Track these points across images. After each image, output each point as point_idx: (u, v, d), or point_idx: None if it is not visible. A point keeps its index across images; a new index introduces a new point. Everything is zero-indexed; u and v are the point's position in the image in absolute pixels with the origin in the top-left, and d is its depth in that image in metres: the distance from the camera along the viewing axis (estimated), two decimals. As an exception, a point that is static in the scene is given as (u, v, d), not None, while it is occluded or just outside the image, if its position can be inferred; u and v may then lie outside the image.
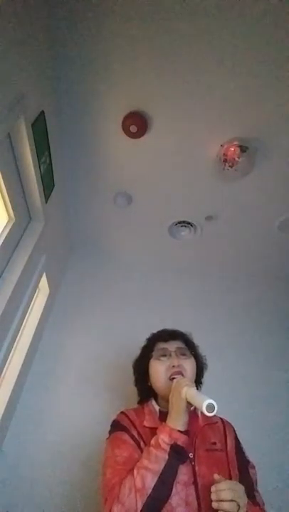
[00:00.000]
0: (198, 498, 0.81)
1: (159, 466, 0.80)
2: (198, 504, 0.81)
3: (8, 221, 1.28)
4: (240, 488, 0.77)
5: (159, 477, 0.78)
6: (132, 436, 0.92)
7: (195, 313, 2.00)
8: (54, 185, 1.56)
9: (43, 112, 1.25)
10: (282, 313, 2.07)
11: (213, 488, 0.76)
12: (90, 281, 2.08)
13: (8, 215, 1.28)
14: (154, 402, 1.04)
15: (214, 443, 0.93)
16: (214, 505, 0.74)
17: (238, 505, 0.73)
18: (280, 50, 1.19)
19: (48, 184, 1.45)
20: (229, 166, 1.48)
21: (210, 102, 1.36)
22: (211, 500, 0.75)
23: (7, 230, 1.25)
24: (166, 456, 0.81)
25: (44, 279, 1.65)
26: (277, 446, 1.54)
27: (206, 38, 1.20)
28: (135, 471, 0.80)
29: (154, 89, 1.35)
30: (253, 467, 0.96)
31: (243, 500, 0.75)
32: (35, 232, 1.42)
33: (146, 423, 0.96)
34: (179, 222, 1.92)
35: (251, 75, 1.27)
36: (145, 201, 1.82)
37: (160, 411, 1.00)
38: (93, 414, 1.47)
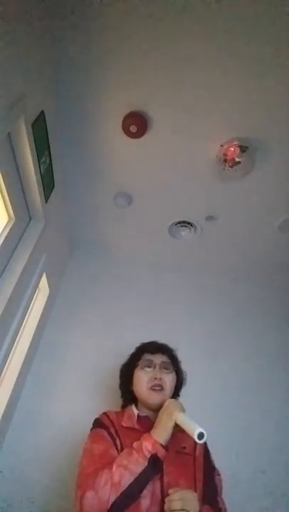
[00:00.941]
0: (162, 492, 0.90)
1: (137, 469, 0.88)
2: (162, 497, 0.89)
3: (8, 221, 1.28)
4: (193, 496, 0.85)
5: (136, 478, 0.86)
6: (110, 434, 1.01)
7: (195, 313, 2.01)
8: (54, 185, 1.56)
9: (43, 112, 1.25)
10: (283, 314, 2.07)
11: (166, 499, 0.85)
12: (90, 281, 2.08)
13: (8, 215, 1.28)
14: (134, 407, 1.15)
15: (184, 447, 1.03)
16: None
17: None
18: (281, 50, 1.19)
19: (48, 184, 1.45)
20: (229, 166, 1.47)
21: (210, 102, 1.36)
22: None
23: (7, 230, 1.25)
24: (146, 463, 0.89)
25: (44, 279, 1.65)
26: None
27: (206, 37, 1.19)
28: (114, 467, 0.87)
29: (154, 90, 1.35)
30: (219, 474, 1.05)
31: (194, 508, 0.83)
32: (35, 232, 1.41)
33: (124, 423, 1.06)
34: (179, 222, 1.91)
35: (251, 74, 1.27)
36: (145, 201, 1.82)
37: (138, 415, 1.11)
38: (93, 413, 1.46)
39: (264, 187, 1.63)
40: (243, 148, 1.43)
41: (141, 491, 0.89)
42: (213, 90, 1.33)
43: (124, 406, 1.21)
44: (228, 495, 1.04)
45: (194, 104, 1.38)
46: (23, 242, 1.36)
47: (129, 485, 0.85)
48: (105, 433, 1.02)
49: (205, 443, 1.10)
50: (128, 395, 1.19)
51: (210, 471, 1.03)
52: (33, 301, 1.63)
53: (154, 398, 1.09)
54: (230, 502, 1.02)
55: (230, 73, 1.27)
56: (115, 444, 1.00)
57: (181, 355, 1.77)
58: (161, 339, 1.79)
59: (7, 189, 1.18)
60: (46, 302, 1.74)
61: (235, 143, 1.44)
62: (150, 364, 1.16)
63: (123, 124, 1.44)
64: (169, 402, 1.03)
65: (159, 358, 1.18)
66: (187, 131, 1.47)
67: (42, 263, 1.53)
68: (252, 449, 1.53)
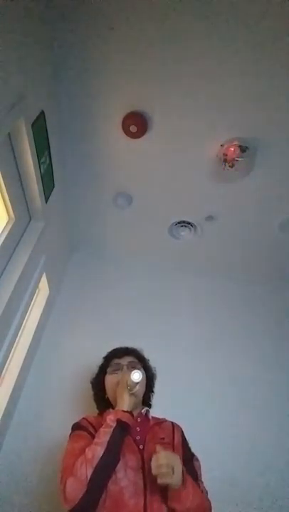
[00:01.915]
0: (144, 479, 0.95)
1: (105, 439, 0.93)
2: (144, 485, 0.94)
3: (8, 221, 1.28)
4: (176, 457, 0.91)
5: (106, 447, 0.91)
6: (90, 433, 1.04)
7: (195, 313, 2.01)
8: (54, 186, 1.56)
9: (43, 112, 1.25)
10: (283, 314, 2.07)
11: (153, 464, 0.89)
12: (90, 281, 2.08)
13: (8, 215, 1.28)
14: (111, 410, 1.13)
15: (163, 438, 1.07)
16: (153, 471, 0.88)
17: (173, 470, 0.87)
18: (281, 49, 1.19)
19: (48, 184, 1.45)
20: (229, 166, 1.48)
21: (210, 102, 1.36)
22: (155, 483, 0.89)
23: (7, 230, 1.25)
24: (111, 430, 0.95)
25: (44, 279, 1.65)
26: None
27: (206, 37, 1.19)
28: (86, 449, 0.92)
29: (154, 89, 1.35)
30: (197, 460, 1.09)
31: (178, 466, 0.89)
32: (35, 232, 1.41)
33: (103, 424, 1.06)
34: (179, 222, 1.91)
35: (251, 74, 1.27)
36: (145, 201, 1.82)
37: None
38: (93, 413, 1.47)
39: (264, 187, 1.63)
40: (243, 148, 1.43)
41: (117, 458, 0.94)
42: (213, 90, 1.33)
43: (100, 412, 1.21)
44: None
45: (194, 104, 1.38)
46: (23, 242, 1.36)
47: (102, 456, 0.89)
48: (84, 433, 1.04)
49: (182, 432, 1.15)
50: (103, 403, 1.21)
51: (189, 458, 1.06)
52: (33, 301, 1.63)
53: None
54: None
55: (231, 73, 1.27)
56: None
57: (180, 355, 1.79)
58: (161, 339, 1.80)
59: (7, 189, 1.18)
60: (46, 302, 1.74)
61: (235, 143, 1.44)
62: (118, 367, 1.20)
63: (123, 124, 1.44)
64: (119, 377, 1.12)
65: (126, 360, 1.22)
66: (187, 131, 1.47)
67: (42, 263, 1.53)
68: (251, 450, 1.53)
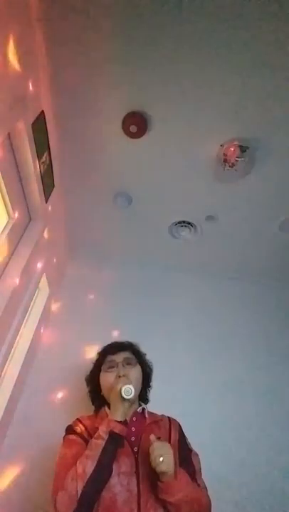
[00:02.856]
0: (138, 485, 0.93)
1: (97, 452, 0.90)
2: (138, 491, 0.92)
3: (8, 221, 1.28)
4: (167, 446, 0.92)
5: (98, 461, 0.88)
6: (83, 439, 1.01)
7: (195, 312, 2.01)
8: (54, 186, 1.56)
9: (43, 112, 1.25)
10: (283, 313, 2.07)
11: (153, 457, 0.88)
12: (90, 281, 2.08)
13: (8, 215, 1.28)
14: (106, 409, 1.12)
15: (158, 438, 1.02)
16: (152, 463, 0.88)
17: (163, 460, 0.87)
18: (280, 49, 1.19)
19: (47, 184, 1.45)
20: (229, 166, 1.48)
21: (210, 102, 1.36)
22: (150, 487, 0.90)
23: (7, 230, 1.25)
24: (103, 443, 0.91)
25: (44, 279, 1.65)
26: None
27: (205, 38, 1.19)
28: (78, 462, 0.90)
29: (154, 89, 1.35)
30: (196, 455, 1.08)
31: (168, 455, 0.89)
32: (35, 232, 1.42)
33: (97, 425, 1.04)
34: (179, 222, 1.91)
35: (251, 74, 1.27)
36: (145, 201, 1.82)
37: None
38: (91, 414, 1.47)
39: (264, 187, 1.63)
40: (243, 148, 1.43)
41: (109, 471, 0.91)
42: (213, 90, 1.33)
43: (96, 411, 1.19)
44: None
45: (194, 105, 1.38)
46: (23, 242, 1.36)
47: (94, 470, 0.87)
48: (78, 439, 1.02)
49: (179, 427, 1.13)
50: (99, 401, 1.18)
51: (186, 454, 1.05)
52: (33, 301, 1.63)
53: None
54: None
55: (231, 73, 1.27)
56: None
57: (181, 354, 1.79)
58: (161, 339, 1.80)
59: (7, 189, 1.18)
60: (46, 302, 1.74)
61: (235, 143, 1.44)
62: (113, 364, 1.16)
63: (123, 124, 1.44)
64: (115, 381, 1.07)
65: (121, 356, 1.18)
66: (187, 131, 1.47)
67: (42, 263, 1.53)
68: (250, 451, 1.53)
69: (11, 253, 1.30)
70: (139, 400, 1.19)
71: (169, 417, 1.16)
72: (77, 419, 1.11)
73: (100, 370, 1.19)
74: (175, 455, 0.98)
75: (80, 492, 0.84)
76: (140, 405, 1.16)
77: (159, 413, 1.18)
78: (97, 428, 0.98)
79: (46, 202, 1.46)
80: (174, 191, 1.74)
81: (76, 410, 1.50)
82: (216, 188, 1.66)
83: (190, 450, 1.08)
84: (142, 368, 1.20)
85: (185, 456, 1.03)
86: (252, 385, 1.73)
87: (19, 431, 1.44)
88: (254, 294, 2.14)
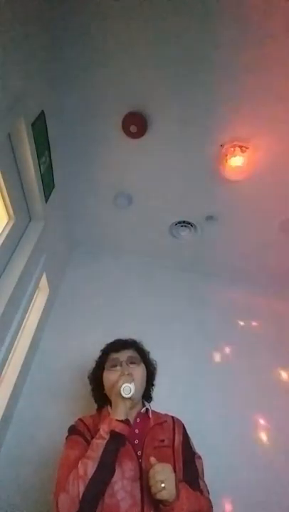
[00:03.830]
0: (142, 491, 0.91)
1: (98, 453, 0.89)
2: (142, 497, 0.90)
3: (8, 221, 1.28)
4: (168, 469, 0.88)
5: (99, 462, 0.88)
6: (85, 439, 1.00)
7: (195, 312, 2.01)
8: (54, 185, 1.56)
9: (43, 112, 1.25)
10: (282, 313, 2.06)
11: (151, 481, 0.86)
12: (90, 281, 2.08)
13: (8, 215, 1.28)
14: (109, 408, 1.10)
15: (162, 440, 1.03)
16: (152, 490, 0.85)
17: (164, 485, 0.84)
18: (280, 50, 1.19)
19: (48, 184, 1.45)
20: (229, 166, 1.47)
21: (210, 102, 1.36)
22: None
23: (7, 230, 1.25)
24: (105, 443, 0.91)
25: (44, 279, 1.65)
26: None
27: (205, 38, 1.19)
28: (79, 463, 0.89)
29: (154, 90, 1.35)
30: (200, 457, 1.07)
31: (170, 480, 0.86)
32: (35, 232, 1.42)
33: (99, 424, 1.03)
34: (179, 222, 1.91)
35: (251, 74, 1.26)
36: (145, 201, 1.82)
37: None
38: (93, 411, 1.47)
39: (264, 187, 1.63)
40: (243, 149, 1.43)
41: (111, 472, 0.90)
42: (213, 90, 1.33)
43: (98, 409, 1.18)
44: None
45: (194, 105, 1.38)
46: (23, 242, 1.36)
47: (95, 471, 0.86)
48: (80, 438, 1.01)
49: (183, 428, 1.11)
50: (101, 400, 1.17)
51: (190, 458, 1.03)
52: (33, 301, 1.63)
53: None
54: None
55: (231, 73, 1.27)
56: None
57: (181, 354, 1.79)
58: (161, 338, 1.80)
59: (7, 189, 1.18)
60: (46, 302, 1.74)
61: (235, 143, 1.44)
62: (116, 363, 1.13)
63: (123, 124, 1.44)
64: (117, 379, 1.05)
65: (124, 355, 1.16)
66: (187, 131, 1.46)
67: (42, 263, 1.53)
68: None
69: (11, 253, 1.30)
70: (143, 398, 1.17)
71: (172, 417, 1.15)
72: (79, 418, 1.10)
73: (103, 368, 1.17)
74: (179, 462, 0.99)
75: (81, 494, 0.83)
76: (144, 405, 1.14)
77: (163, 412, 1.16)
78: (99, 428, 0.97)
79: (46, 202, 1.46)
80: (174, 191, 1.74)
81: (76, 410, 1.50)
82: (216, 188, 1.66)
83: (194, 453, 1.06)
84: (145, 366, 1.18)
85: (188, 459, 1.03)
86: (252, 383, 1.73)
87: (19, 432, 1.44)
88: (254, 293, 2.14)
